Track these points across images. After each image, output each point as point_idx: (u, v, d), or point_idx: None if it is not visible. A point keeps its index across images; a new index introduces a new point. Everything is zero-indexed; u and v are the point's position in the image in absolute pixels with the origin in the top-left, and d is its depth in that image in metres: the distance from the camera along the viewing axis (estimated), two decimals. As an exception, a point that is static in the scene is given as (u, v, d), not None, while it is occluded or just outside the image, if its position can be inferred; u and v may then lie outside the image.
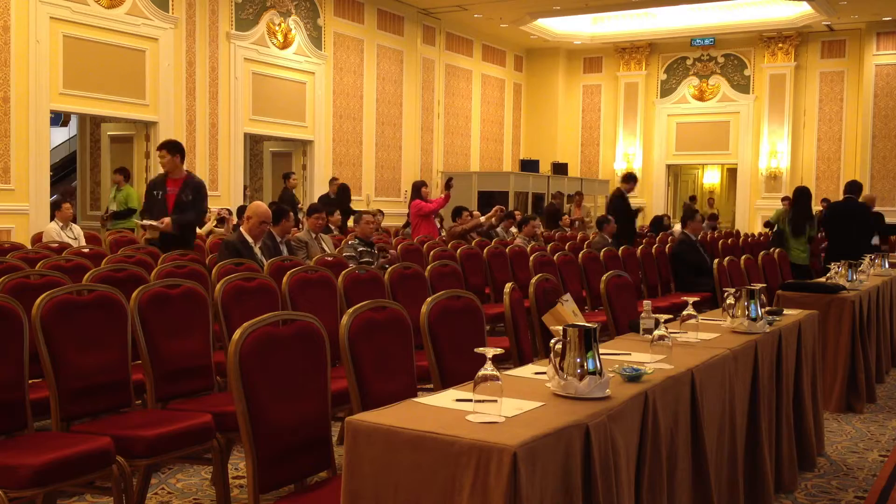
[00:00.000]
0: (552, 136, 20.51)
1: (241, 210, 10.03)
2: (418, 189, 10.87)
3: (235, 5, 12.89)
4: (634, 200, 19.45)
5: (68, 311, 3.48)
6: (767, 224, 13.17)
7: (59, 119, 15.95)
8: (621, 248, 8.54)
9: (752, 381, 3.76)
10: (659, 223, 11.37)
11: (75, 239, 8.44)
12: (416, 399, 2.60)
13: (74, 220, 9.20)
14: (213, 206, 11.55)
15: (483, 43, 18.97)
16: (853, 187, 9.72)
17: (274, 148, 14.99)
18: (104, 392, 3.55)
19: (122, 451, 3.15)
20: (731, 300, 4.05)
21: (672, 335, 3.37)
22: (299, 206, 12.23)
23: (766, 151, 18.68)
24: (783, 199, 14.77)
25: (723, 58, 19.24)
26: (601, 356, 2.57)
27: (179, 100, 12.02)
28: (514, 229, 11.20)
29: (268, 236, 6.40)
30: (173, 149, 6.82)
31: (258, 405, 2.67)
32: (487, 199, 16.24)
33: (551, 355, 2.62)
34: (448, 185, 11.11)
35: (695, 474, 3.10)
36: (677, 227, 10.97)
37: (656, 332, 3.27)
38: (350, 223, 9.77)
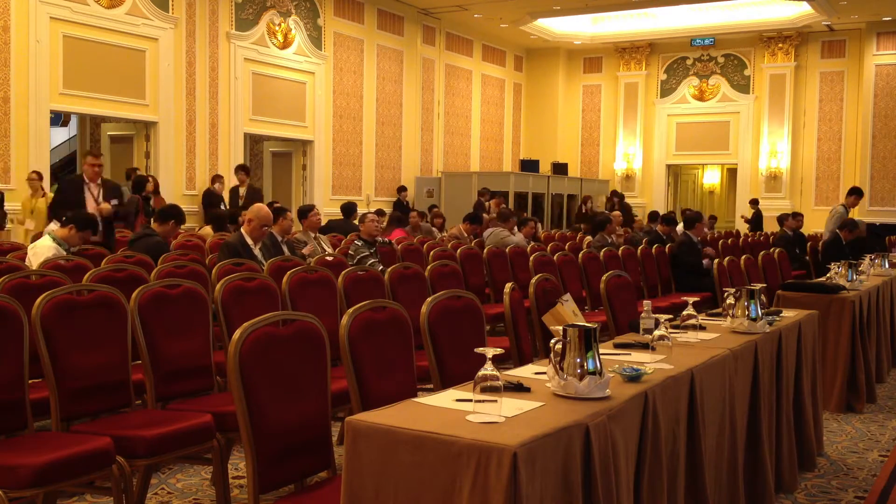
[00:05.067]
0: (552, 136, 20.52)
1: (242, 208, 10.01)
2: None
3: (235, 5, 12.90)
4: (634, 201, 19.62)
5: (68, 311, 3.48)
6: None
7: (59, 119, 15.95)
8: (621, 248, 8.55)
9: (752, 381, 3.76)
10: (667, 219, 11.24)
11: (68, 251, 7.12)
12: (416, 399, 2.60)
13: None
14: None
15: (483, 43, 18.97)
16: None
17: (274, 148, 14.99)
18: (104, 392, 3.55)
19: (122, 451, 3.15)
20: (731, 300, 4.05)
21: (672, 335, 3.37)
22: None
23: (766, 151, 18.68)
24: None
25: (723, 58, 19.24)
26: (601, 356, 2.58)
27: (179, 100, 12.03)
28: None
29: (268, 237, 6.40)
30: None
31: (258, 405, 2.67)
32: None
33: (551, 355, 2.62)
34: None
35: (694, 474, 3.10)
36: (680, 227, 10.94)
37: (656, 332, 3.27)
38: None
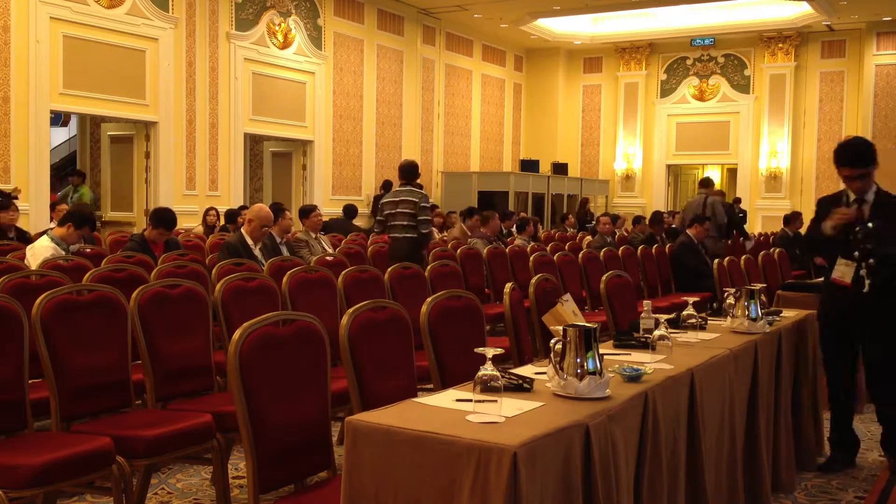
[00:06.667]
0: (552, 137, 20.52)
1: (242, 208, 10.03)
2: None
3: (235, 5, 12.89)
4: (633, 201, 19.63)
5: (68, 311, 3.47)
6: None
7: (59, 119, 15.95)
8: (613, 248, 8.54)
9: (751, 381, 3.76)
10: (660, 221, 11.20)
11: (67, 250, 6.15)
12: (416, 399, 2.60)
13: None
14: (219, 207, 11.56)
15: (483, 43, 18.97)
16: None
17: (274, 148, 14.99)
18: (104, 392, 3.55)
19: (122, 451, 3.15)
20: (731, 300, 4.05)
21: (672, 335, 3.37)
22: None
23: (766, 151, 18.68)
24: None
25: (723, 58, 19.24)
26: (601, 356, 2.58)
27: (179, 100, 12.03)
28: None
29: (267, 237, 6.41)
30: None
31: (258, 405, 2.67)
32: (487, 200, 16.24)
33: (551, 355, 2.62)
34: None
35: (694, 474, 3.10)
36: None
37: (656, 333, 3.27)
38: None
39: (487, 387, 2.34)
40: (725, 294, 4.16)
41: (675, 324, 3.79)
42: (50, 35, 10.36)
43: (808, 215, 14.90)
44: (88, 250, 6.49)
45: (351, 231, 10.30)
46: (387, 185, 14.17)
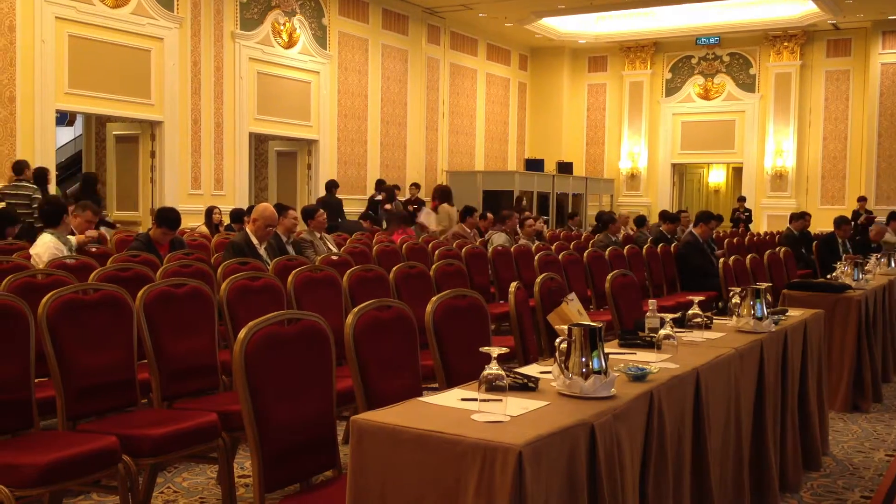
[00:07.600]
0: (557, 136, 20.50)
1: (250, 210, 10.05)
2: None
3: (240, 5, 12.91)
4: (639, 200, 19.60)
5: (74, 310, 3.48)
6: None
7: (64, 118, 16.00)
8: (623, 248, 8.53)
9: (757, 381, 3.75)
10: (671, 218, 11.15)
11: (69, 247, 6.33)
12: (421, 398, 2.60)
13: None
14: (224, 206, 11.58)
15: (488, 42, 18.97)
16: None
17: (279, 147, 15.01)
18: (110, 391, 3.55)
19: (128, 450, 3.15)
20: (736, 299, 4.04)
21: (678, 334, 3.36)
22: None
23: (771, 150, 18.64)
24: None
25: (728, 56, 19.21)
26: (606, 355, 2.57)
27: (185, 99, 12.05)
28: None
29: (273, 237, 6.41)
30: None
31: (264, 404, 2.68)
32: (492, 199, 16.24)
33: (556, 354, 2.62)
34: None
35: (699, 473, 3.10)
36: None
37: (662, 332, 3.27)
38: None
39: (492, 386, 2.33)
40: (731, 293, 4.16)
41: (680, 323, 3.79)
42: (55, 35, 10.39)
43: (813, 214, 14.87)
44: (94, 249, 6.50)
45: (355, 230, 10.31)
46: (379, 185, 14.16)
